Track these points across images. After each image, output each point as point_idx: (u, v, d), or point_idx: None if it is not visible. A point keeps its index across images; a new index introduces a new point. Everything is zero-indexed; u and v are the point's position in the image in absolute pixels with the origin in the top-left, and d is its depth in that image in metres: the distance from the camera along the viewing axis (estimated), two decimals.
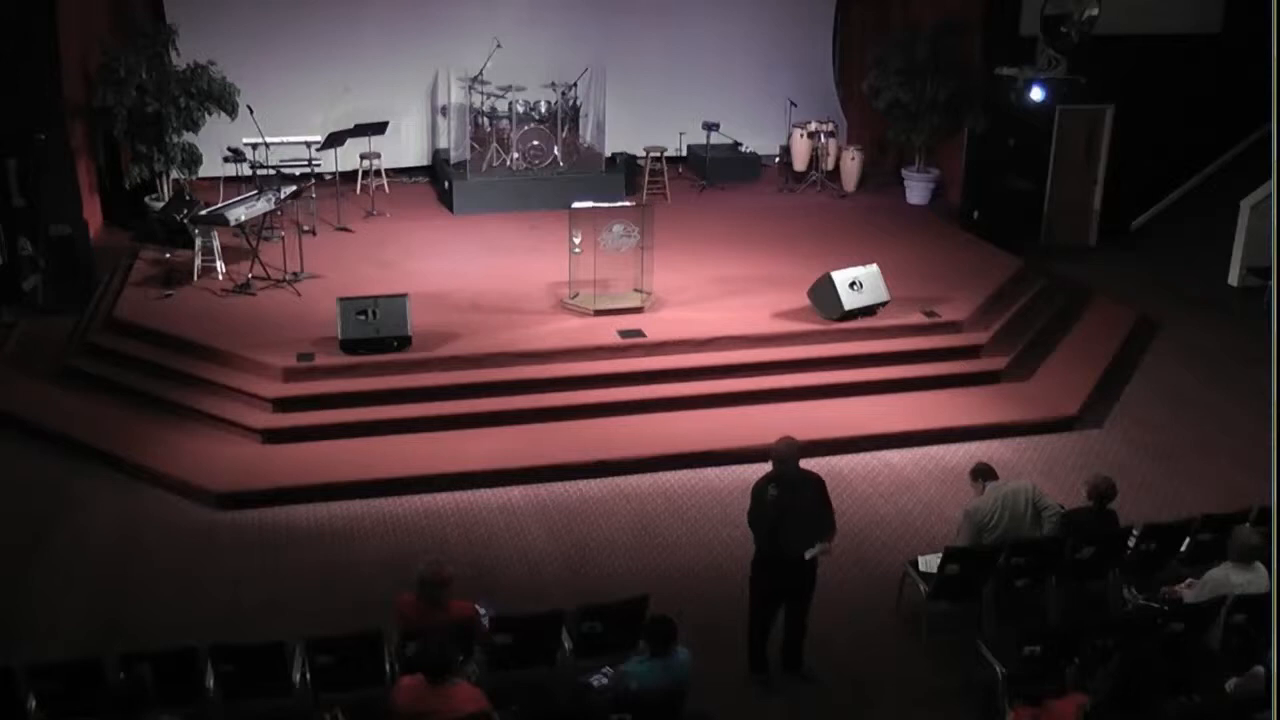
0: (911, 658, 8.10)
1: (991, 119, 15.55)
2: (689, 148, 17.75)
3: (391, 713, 6.31)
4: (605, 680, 7.03)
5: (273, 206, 13.32)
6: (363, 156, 16.10)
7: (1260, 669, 6.71)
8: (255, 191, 13.37)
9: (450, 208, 15.76)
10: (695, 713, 6.67)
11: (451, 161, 16.40)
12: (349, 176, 16.03)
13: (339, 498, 9.92)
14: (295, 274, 12.95)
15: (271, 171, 13.76)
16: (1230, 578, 7.44)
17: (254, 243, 13.01)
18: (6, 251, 12.89)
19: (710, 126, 16.91)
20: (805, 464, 8.42)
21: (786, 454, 7.53)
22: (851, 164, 17.13)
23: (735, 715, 7.43)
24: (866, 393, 11.58)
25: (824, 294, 12.16)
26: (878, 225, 15.60)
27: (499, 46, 15.61)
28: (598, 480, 10.30)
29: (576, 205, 12.35)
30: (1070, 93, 14.29)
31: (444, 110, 16.94)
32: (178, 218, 13.13)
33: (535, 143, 15.80)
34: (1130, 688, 6.08)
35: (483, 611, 7.36)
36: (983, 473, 8.37)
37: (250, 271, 12.81)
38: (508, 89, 15.80)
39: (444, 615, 6.99)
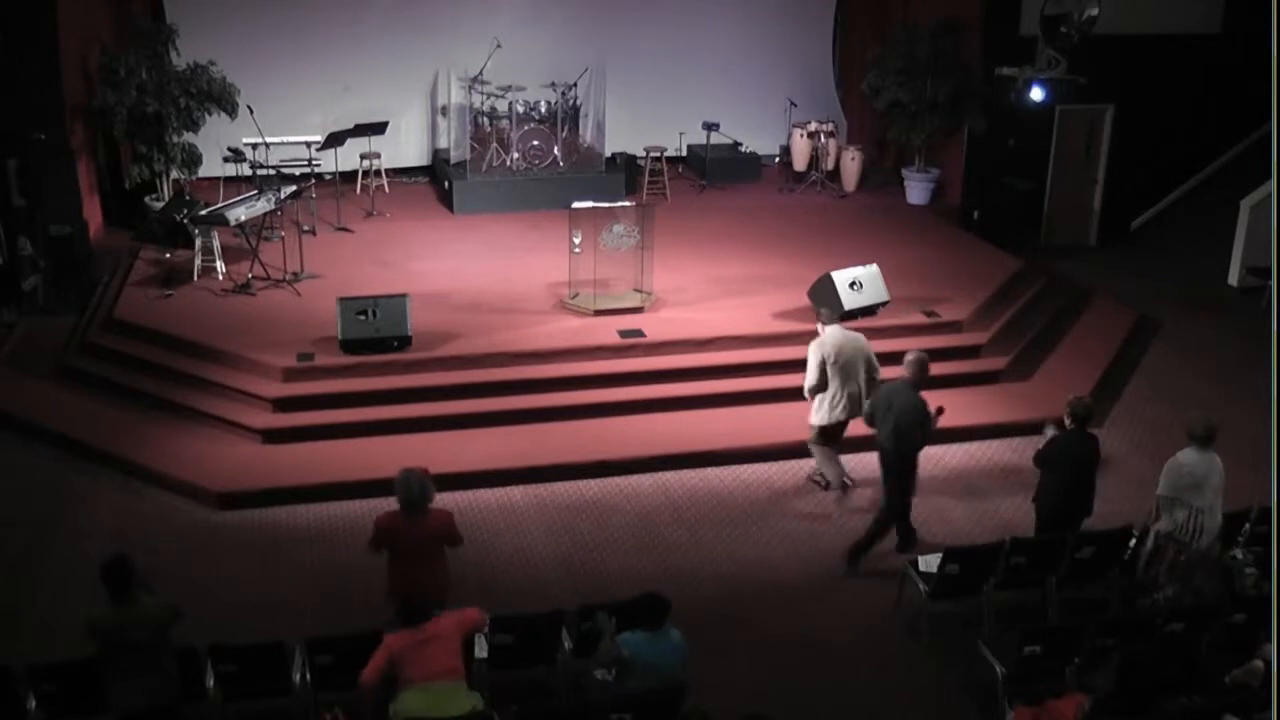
0: (911, 658, 8.11)
1: (991, 119, 15.55)
2: (689, 148, 17.75)
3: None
4: (606, 675, 7.02)
5: (273, 206, 13.31)
6: (363, 156, 16.10)
7: (1259, 663, 6.72)
8: (255, 191, 13.37)
9: (450, 208, 15.75)
10: (694, 712, 6.65)
11: (451, 161, 16.40)
12: (349, 176, 16.02)
13: (339, 498, 9.92)
14: (295, 274, 12.95)
15: (271, 171, 13.75)
16: (1179, 459, 7.95)
17: (254, 243, 13.02)
18: (6, 251, 12.89)
19: (710, 126, 16.91)
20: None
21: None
22: (851, 164, 17.13)
23: (735, 716, 7.41)
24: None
25: (824, 294, 12.15)
26: (878, 225, 15.59)
27: (499, 46, 15.61)
28: (598, 480, 10.30)
29: (576, 205, 12.35)
30: (1070, 93, 14.26)
31: (444, 110, 16.95)
32: (178, 218, 13.12)
33: (535, 143, 15.80)
34: (1130, 688, 6.07)
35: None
36: (824, 314, 10.08)
37: (250, 271, 12.81)
38: (508, 89, 15.79)
39: (427, 521, 7.32)
